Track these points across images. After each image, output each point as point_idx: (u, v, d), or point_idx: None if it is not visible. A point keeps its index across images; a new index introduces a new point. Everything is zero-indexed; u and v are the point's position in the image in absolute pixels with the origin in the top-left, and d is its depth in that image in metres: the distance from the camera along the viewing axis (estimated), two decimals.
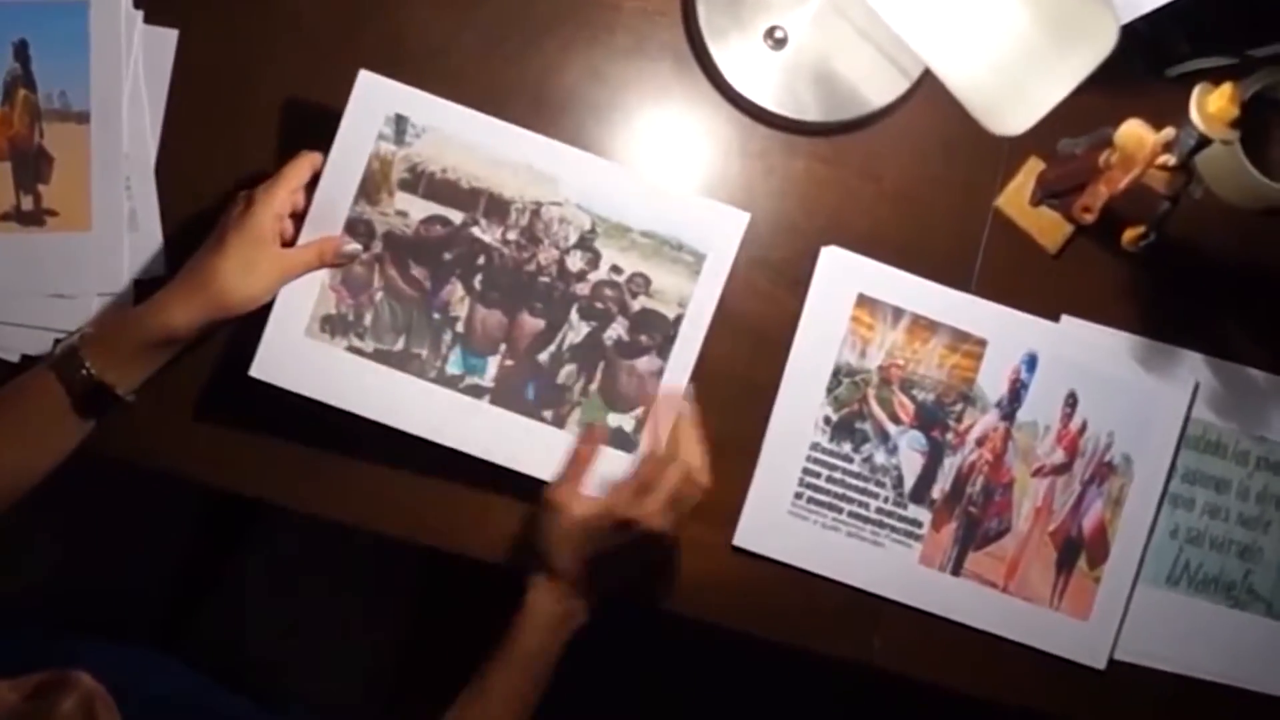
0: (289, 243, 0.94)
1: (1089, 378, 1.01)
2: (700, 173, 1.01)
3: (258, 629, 1.11)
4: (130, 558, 1.16)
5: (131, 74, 0.99)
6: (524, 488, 0.96)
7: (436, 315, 0.96)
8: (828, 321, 1.00)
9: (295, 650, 1.10)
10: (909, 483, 1.01)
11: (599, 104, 1.01)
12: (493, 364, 0.97)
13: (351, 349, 0.96)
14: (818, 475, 1.00)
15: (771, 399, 1.00)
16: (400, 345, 0.96)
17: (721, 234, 0.97)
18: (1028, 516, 1.01)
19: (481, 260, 0.97)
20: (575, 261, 0.97)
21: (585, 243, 0.97)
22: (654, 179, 0.99)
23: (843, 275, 1.00)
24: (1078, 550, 1.01)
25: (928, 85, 1.01)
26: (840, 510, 1.00)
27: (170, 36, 0.99)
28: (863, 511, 1.00)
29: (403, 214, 0.96)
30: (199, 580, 1.16)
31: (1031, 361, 1.01)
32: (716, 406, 0.98)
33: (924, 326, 1.01)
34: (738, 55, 1.01)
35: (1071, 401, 1.01)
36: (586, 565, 0.92)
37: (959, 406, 1.01)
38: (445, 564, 0.99)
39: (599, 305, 0.97)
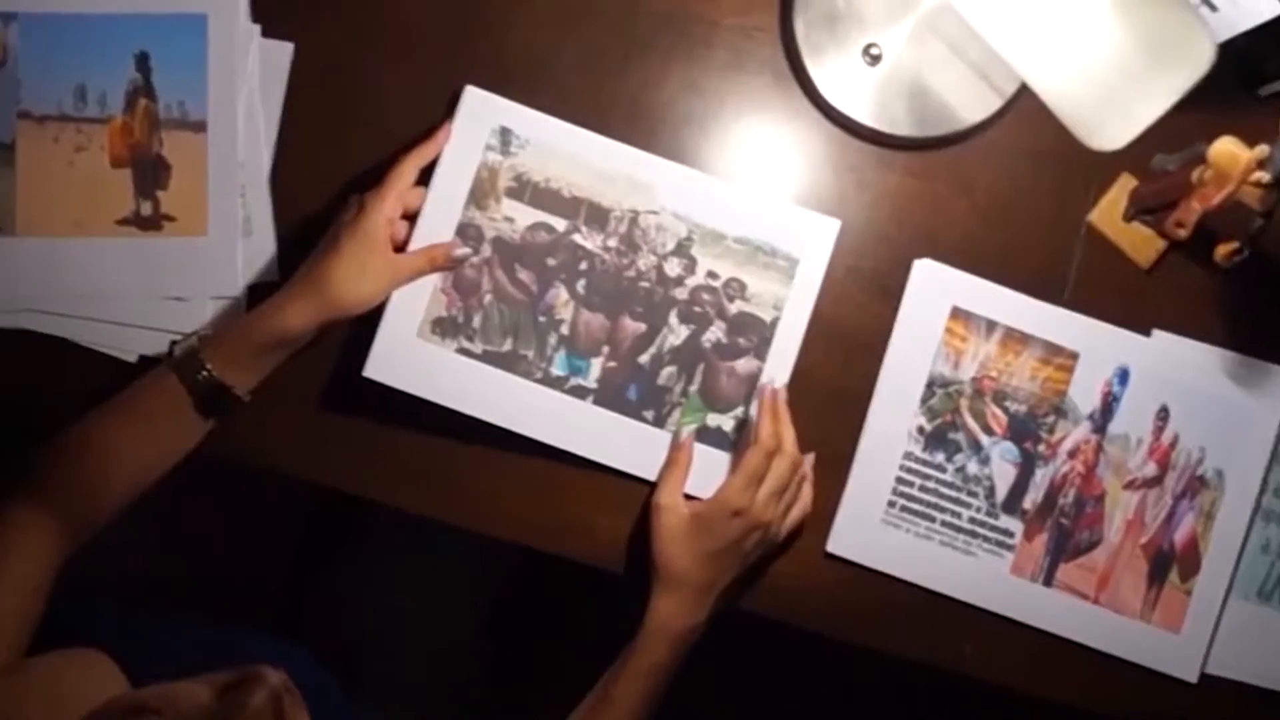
0: (401, 245, 0.97)
1: (1181, 392, 1.02)
2: (795, 185, 1.03)
3: (362, 620, 1.14)
4: (242, 549, 1.19)
5: (248, 85, 1.02)
6: (631, 494, 0.99)
7: (542, 318, 0.99)
8: (921, 333, 1.02)
9: (397, 643, 1.12)
10: (1001, 493, 1.02)
11: (696, 117, 1.03)
12: (596, 365, 0.99)
13: (461, 350, 0.99)
14: (911, 484, 1.01)
15: (864, 407, 1.01)
16: (508, 347, 0.99)
17: (813, 240, 1.00)
18: (1119, 529, 1.02)
19: (584, 266, 1.00)
20: (673, 267, 1.00)
21: (682, 249, 1.00)
22: (747, 188, 1.02)
23: (936, 288, 1.02)
24: (1169, 563, 1.02)
25: (1020, 102, 1.02)
26: (933, 519, 1.01)
27: (286, 49, 1.03)
28: (955, 521, 1.01)
29: (510, 220, 1.00)
30: (308, 571, 1.19)
31: (1123, 375, 1.02)
32: (810, 413, 1.00)
33: (1017, 339, 1.02)
34: (834, 71, 1.03)
35: (1163, 415, 1.02)
36: (702, 562, 0.94)
37: (1051, 419, 1.02)
38: (548, 565, 1.01)
39: (697, 309, 1.00)
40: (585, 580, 1.01)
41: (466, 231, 0.99)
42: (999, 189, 1.04)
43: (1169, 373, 1.02)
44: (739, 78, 1.04)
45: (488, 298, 0.99)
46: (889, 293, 1.02)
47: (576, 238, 1.00)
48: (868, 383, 1.01)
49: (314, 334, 0.95)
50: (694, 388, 1.00)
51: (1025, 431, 1.02)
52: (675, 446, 0.98)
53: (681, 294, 1.00)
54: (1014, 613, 1.01)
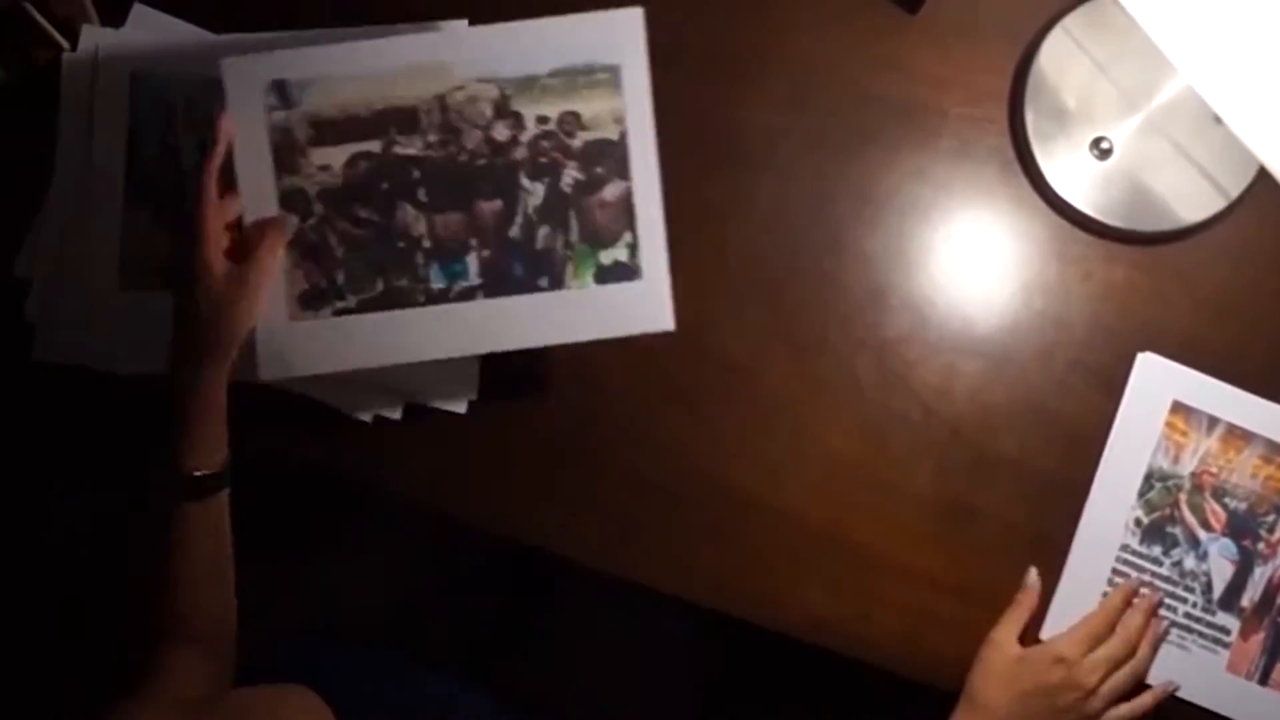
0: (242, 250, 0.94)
1: None
2: (1018, 275, 1.05)
3: (553, 671, 1.17)
4: (452, 595, 1.23)
5: None
6: (835, 567, 1.00)
7: (401, 243, 0.96)
8: (1142, 426, 1.02)
9: (588, 699, 1.15)
10: (1218, 590, 1.02)
11: (922, 203, 1.05)
12: (472, 261, 0.96)
13: (338, 312, 0.96)
14: (1127, 576, 1.02)
15: (1081, 498, 1.02)
16: (381, 286, 0.96)
17: (623, 39, 0.95)
18: None
19: (416, 173, 0.96)
20: (501, 132, 0.96)
21: (502, 111, 0.96)
22: (533, 21, 0.95)
23: (1158, 382, 1.03)
24: None
25: (1247, 200, 1.03)
26: (1155, 616, 1.01)
27: None
28: (1170, 615, 1.01)
29: (325, 167, 0.96)
30: (505, 622, 1.22)
31: None
32: (1027, 501, 1.02)
33: (1238, 436, 1.02)
34: (1063, 163, 1.04)
35: None
36: (1011, 700, 0.95)
37: (1271, 518, 1.02)
38: (746, 634, 1.03)
39: (543, 160, 0.96)
40: (797, 656, 1.02)
41: (290, 200, 0.95)
42: (1226, 286, 1.04)
43: None
44: (966, 166, 1.06)
45: (340, 251, 0.96)
46: (1112, 386, 1.02)
47: (397, 150, 0.96)
48: (1086, 474, 1.02)
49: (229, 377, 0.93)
50: (574, 236, 0.96)
51: (1244, 529, 1.02)
52: (1023, 589, 1.00)
53: (521, 153, 0.96)
54: (1229, 710, 1.01)
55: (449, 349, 0.96)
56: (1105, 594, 1.01)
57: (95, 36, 1.06)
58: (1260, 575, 1.02)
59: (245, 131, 0.95)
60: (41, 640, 1.21)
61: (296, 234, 0.96)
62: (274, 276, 0.94)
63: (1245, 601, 1.02)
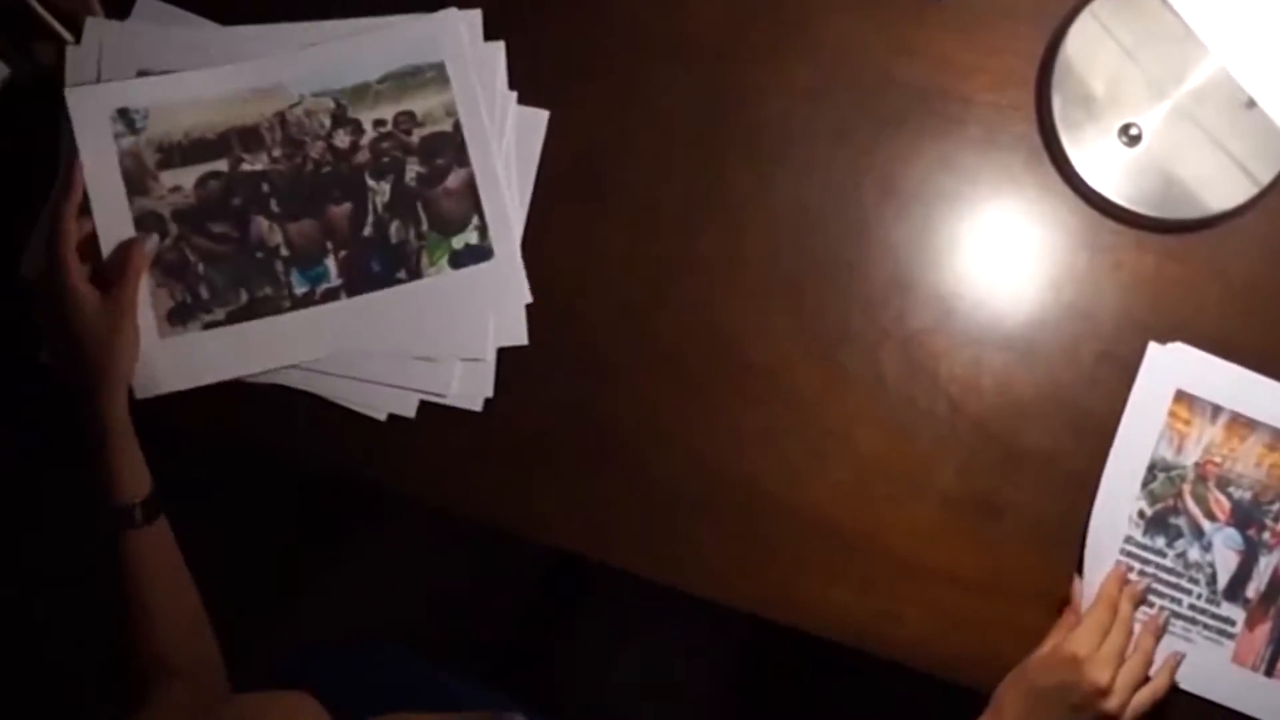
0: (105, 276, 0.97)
1: None
2: (1047, 265, 1.02)
3: (574, 677, 1.15)
4: (480, 602, 1.22)
5: (504, 152, 1.04)
6: (866, 569, 0.98)
7: (259, 254, 1.01)
8: (1147, 417, 1.00)
9: (609, 706, 1.13)
10: (1222, 580, 1.00)
11: (948, 193, 1.03)
12: (330, 264, 1.01)
13: (207, 326, 1.00)
14: (1130, 569, 0.99)
15: None
16: (245, 297, 1.01)
17: (443, 35, 1.02)
18: None
19: (265, 187, 1.02)
20: (341, 139, 1.02)
21: (339, 120, 1.03)
22: (354, 31, 1.03)
23: (1164, 371, 1.00)
24: None
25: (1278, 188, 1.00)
26: (1151, 605, 0.99)
27: (541, 117, 1.04)
28: (1174, 607, 0.99)
29: (177, 188, 1.01)
30: (536, 631, 1.20)
31: None
32: (1055, 497, 1.00)
33: (1243, 424, 1.00)
34: (1091, 150, 1.02)
35: None
36: (1027, 699, 0.93)
37: (1277, 506, 1.00)
38: (770, 635, 1.01)
39: (385, 159, 1.02)
40: (822, 656, 1.01)
41: (145, 222, 1.00)
42: (1258, 274, 1.02)
43: None
44: (992, 154, 1.03)
45: (201, 267, 1.01)
46: None
47: (244, 167, 1.01)
48: None
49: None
50: (425, 227, 1.02)
51: (1249, 518, 1.00)
52: (1069, 607, 0.97)
53: (363, 157, 1.02)
54: (1236, 703, 0.99)
55: (320, 349, 1.00)
56: None
57: (99, 29, 1.04)
58: (1265, 565, 0.99)
59: (95, 158, 1.00)
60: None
61: (156, 254, 1.00)
62: (138, 292, 0.97)
63: (1250, 592, 0.99)
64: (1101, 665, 0.93)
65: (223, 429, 1.02)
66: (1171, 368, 1.00)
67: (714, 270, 1.02)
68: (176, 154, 1.01)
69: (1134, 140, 1.02)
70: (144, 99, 1.01)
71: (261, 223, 1.01)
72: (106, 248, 1.00)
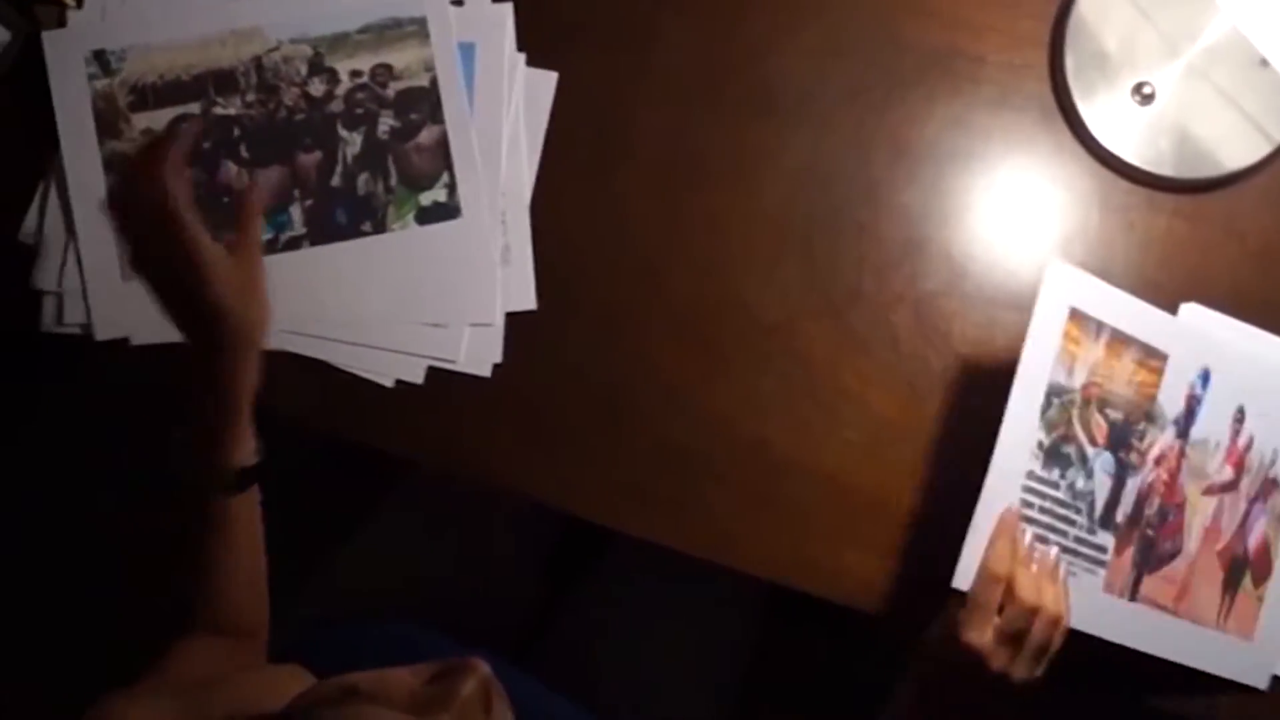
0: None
1: (1257, 392, 0.97)
2: (1060, 225, 1.02)
3: (601, 652, 1.14)
4: (495, 570, 1.21)
5: (512, 114, 1.03)
6: (879, 531, 0.98)
7: (226, 199, 1.00)
8: (1044, 341, 0.93)
9: (634, 678, 1.12)
10: (1099, 508, 0.95)
11: (961, 153, 1.02)
12: (296, 212, 1.01)
13: None
14: (1031, 506, 0.93)
15: None
16: None
17: None
18: (1198, 537, 0.97)
19: (236, 132, 1.01)
20: (317, 88, 1.01)
21: (316, 68, 1.02)
22: None
23: (1061, 291, 0.93)
24: (1243, 569, 0.97)
25: None
26: (1048, 543, 0.94)
27: (550, 79, 1.03)
28: (1063, 541, 0.94)
29: (149, 131, 1.00)
30: (551, 601, 1.19)
31: (1205, 377, 0.97)
32: None
33: (1120, 341, 0.95)
34: (1104, 109, 1.01)
35: (1239, 417, 0.97)
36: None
37: (1142, 426, 0.96)
38: (791, 598, 1.01)
39: (359, 110, 1.01)
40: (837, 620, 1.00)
41: (115, 165, 0.99)
42: (1271, 232, 1.02)
43: (1246, 371, 0.97)
44: (1005, 114, 1.02)
45: None
46: None
47: (217, 110, 1.01)
48: None
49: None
50: (394, 181, 1.01)
51: (1122, 440, 0.95)
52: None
53: (337, 106, 1.01)
54: (1105, 632, 0.94)
55: (281, 297, 0.96)
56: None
57: None
58: (1131, 488, 0.95)
59: (68, 101, 0.99)
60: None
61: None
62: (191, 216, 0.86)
63: (1120, 517, 0.95)
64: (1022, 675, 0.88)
65: None
66: (1066, 287, 0.94)
67: (726, 232, 1.01)
68: (150, 95, 1.00)
69: (1147, 99, 1.01)
70: (122, 39, 1.00)
71: (229, 167, 1.01)
72: (74, 191, 0.99)
